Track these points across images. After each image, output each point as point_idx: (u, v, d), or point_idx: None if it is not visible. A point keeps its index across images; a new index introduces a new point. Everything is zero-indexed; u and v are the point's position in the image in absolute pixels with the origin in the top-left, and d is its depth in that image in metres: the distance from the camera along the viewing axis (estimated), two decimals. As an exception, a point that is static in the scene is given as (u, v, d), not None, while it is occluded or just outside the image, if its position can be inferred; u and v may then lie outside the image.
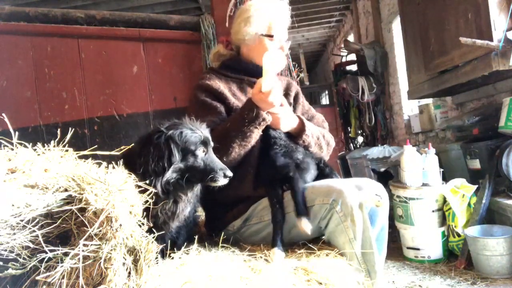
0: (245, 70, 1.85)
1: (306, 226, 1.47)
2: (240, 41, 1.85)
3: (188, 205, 1.41)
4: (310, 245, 1.52)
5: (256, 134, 1.60)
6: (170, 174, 1.27)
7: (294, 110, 1.93)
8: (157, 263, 1.10)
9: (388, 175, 3.59)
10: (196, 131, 1.36)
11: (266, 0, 1.84)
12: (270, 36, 1.78)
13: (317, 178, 1.75)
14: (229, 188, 1.45)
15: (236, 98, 1.78)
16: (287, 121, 1.70)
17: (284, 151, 1.64)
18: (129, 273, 0.96)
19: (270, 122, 1.64)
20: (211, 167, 1.35)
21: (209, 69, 2.03)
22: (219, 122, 1.65)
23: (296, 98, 1.97)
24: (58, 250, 0.93)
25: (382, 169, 3.78)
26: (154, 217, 1.31)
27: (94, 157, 1.15)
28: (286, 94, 1.95)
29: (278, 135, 1.67)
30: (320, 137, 1.83)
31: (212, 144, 1.42)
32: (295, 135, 1.74)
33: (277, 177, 1.62)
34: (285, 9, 1.84)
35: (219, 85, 1.78)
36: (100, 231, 0.95)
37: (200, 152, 1.35)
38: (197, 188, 1.43)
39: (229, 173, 1.37)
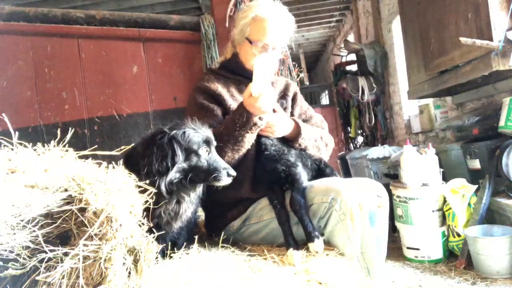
0: (242, 72, 1.83)
1: (319, 248, 1.46)
2: (237, 43, 1.84)
3: (190, 205, 1.41)
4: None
5: (248, 139, 1.59)
6: (173, 174, 1.27)
7: (292, 110, 1.92)
8: (157, 263, 1.10)
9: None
10: (199, 131, 1.37)
11: (263, 4, 1.77)
12: (249, 41, 1.74)
13: (318, 178, 1.75)
14: (229, 190, 1.45)
15: (234, 99, 1.77)
16: (281, 128, 1.68)
17: (273, 155, 1.63)
18: (129, 273, 0.96)
19: (265, 130, 1.62)
20: (214, 166, 1.35)
21: (208, 70, 2.02)
22: (215, 125, 1.64)
23: (294, 98, 1.96)
24: (58, 250, 0.93)
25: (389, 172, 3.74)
26: (157, 217, 1.31)
27: (94, 157, 1.15)
28: (284, 94, 1.93)
29: (269, 141, 1.66)
30: (318, 139, 1.82)
31: (215, 143, 1.41)
32: (291, 139, 1.73)
33: (272, 180, 1.62)
34: (280, 17, 1.74)
35: (217, 86, 1.77)
36: (100, 231, 0.95)
37: (203, 151, 1.35)
38: (200, 189, 1.43)
39: (233, 172, 1.37)
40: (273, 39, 1.73)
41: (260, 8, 1.74)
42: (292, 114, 1.90)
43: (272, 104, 1.57)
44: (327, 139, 1.88)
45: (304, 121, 1.89)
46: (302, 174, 1.62)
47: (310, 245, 1.46)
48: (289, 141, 1.73)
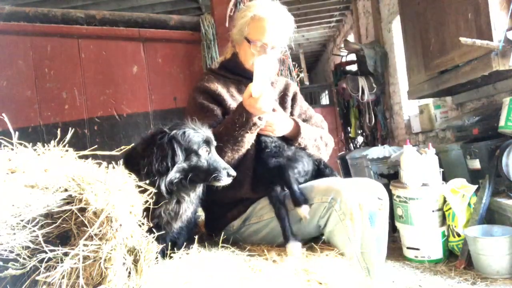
0: (242, 72, 1.83)
1: (305, 212, 1.49)
2: (236, 43, 1.84)
3: (190, 205, 1.41)
4: (312, 244, 1.53)
5: (248, 139, 1.59)
6: (173, 174, 1.27)
7: (292, 110, 1.93)
8: (157, 263, 1.10)
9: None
10: (199, 131, 1.37)
11: (262, 4, 1.77)
12: (248, 41, 1.74)
13: (318, 179, 1.75)
14: (229, 190, 1.45)
15: (234, 99, 1.77)
16: (281, 127, 1.69)
17: (274, 152, 1.64)
18: (129, 273, 0.96)
19: (264, 129, 1.63)
20: (214, 166, 1.35)
21: (207, 70, 2.02)
22: (215, 125, 1.64)
23: (294, 98, 1.96)
24: (58, 250, 0.93)
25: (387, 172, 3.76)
26: (157, 217, 1.31)
27: (94, 157, 1.15)
28: (284, 95, 1.93)
29: (269, 139, 1.67)
30: (318, 139, 1.82)
31: (215, 143, 1.41)
32: (291, 139, 1.73)
33: (273, 178, 1.62)
34: (278, 16, 1.74)
35: (217, 86, 1.77)
36: (100, 231, 0.95)
37: (203, 151, 1.35)
38: (200, 189, 1.43)
39: (233, 172, 1.37)
40: (272, 39, 1.73)
41: (258, 7, 1.74)
42: (292, 114, 1.90)
43: (272, 104, 1.57)
44: (327, 138, 1.88)
45: (304, 120, 1.89)
46: (305, 164, 1.65)
47: (297, 209, 1.50)
48: (288, 140, 1.73)
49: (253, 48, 1.73)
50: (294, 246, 1.44)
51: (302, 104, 1.98)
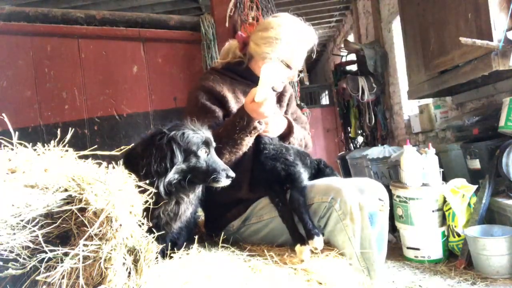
0: (253, 79, 1.80)
1: (318, 245, 1.44)
2: (257, 55, 1.80)
3: (190, 206, 1.40)
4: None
5: (247, 142, 1.60)
6: (172, 175, 1.27)
7: (287, 109, 1.99)
8: (157, 263, 1.10)
9: None
10: (198, 132, 1.36)
11: (296, 23, 1.79)
12: (289, 67, 1.78)
13: (318, 178, 1.75)
14: (228, 191, 1.45)
15: (238, 101, 1.76)
16: (277, 129, 1.73)
17: (273, 154, 1.64)
18: (129, 273, 0.96)
19: (262, 131, 1.64)
20: (213, 167, 1.35)
21: (211, 69, 1.99)
22: (215, 127, 1.64)
23: (290, 99, 2.03)
24: (58, 250, 0.93)
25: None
26: (156, 218, 1.31)
27: (94, 157, 1.15)
28: (282, 94, 1.97)
29: (268, 140, 1.68)
30: (302, 139, 1.90)
31: (214, 144, 1.41)
32: (283, 137, 1.79)
33: (272, 180, 1.62)
34: (313, 41, 1.83)
35: (223, 87, 1.75)
36: (100, 231, 0.95)
37: (202, 152, 1.35)
38: (199, 190, 1.43)
39: (231, 174, 1.37)
40: (299, 64, 1.83)
41: (299, 33, 1.77)
42: (285, 113, 1.97)
43: (273, 110, 1.58)
44: (307, 140, 1.98)
45: (294, 120, 1.96)
46: (302, 172, 1.62)
47: (310, 242, 1.45)
48: (280, 137, 1.78)
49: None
50: (303, 250, 1.42)
51: (293, 104, 2.06)
